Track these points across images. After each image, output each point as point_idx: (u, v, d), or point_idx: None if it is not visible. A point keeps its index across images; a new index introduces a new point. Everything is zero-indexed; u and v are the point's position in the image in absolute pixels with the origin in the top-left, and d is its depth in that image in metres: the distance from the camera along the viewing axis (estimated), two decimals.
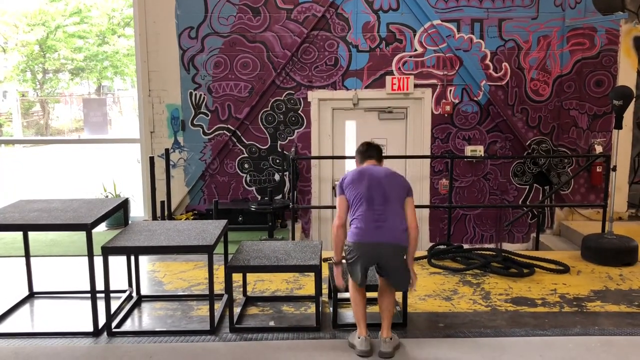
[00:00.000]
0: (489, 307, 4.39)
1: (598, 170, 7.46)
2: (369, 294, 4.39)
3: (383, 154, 4.04)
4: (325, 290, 4.55)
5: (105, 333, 3.89)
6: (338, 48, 7.41)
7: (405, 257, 3.67)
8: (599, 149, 7.46)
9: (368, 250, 3.57)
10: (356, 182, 3.73)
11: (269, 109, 7.54)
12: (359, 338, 3.60)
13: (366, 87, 7.49)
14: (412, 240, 3.63)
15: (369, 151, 3.95)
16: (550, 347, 3.67)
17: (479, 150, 7.53)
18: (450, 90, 7.50)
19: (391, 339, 3.61)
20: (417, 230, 3.68)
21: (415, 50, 7.42)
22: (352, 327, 4.03)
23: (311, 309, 4.33)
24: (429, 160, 7.62)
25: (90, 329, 3.89)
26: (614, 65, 7.38)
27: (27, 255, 4.65)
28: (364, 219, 3.60)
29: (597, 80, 7.42)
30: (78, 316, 4.21)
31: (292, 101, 7.52)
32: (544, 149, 7.56)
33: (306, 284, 4.88)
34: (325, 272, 4.41)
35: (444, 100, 7.50)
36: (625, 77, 7.32)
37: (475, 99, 7.50)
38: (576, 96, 7.46)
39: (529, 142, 7.51)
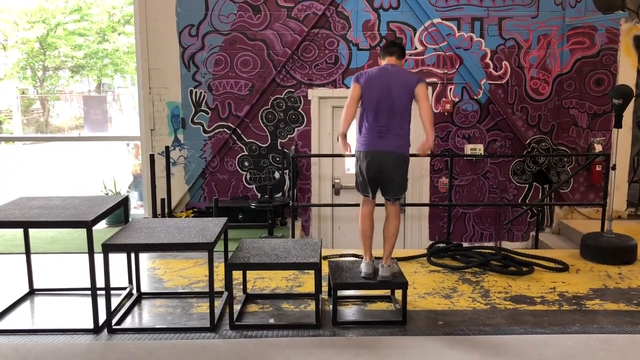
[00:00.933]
0: (488, 305, 4.41)
1: (597, 169, 7.48)
2: (367, 293, 4.42)
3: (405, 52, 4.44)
4: (325, 288, 4.56)
5: (105, 330, 3.90)
6: (338, 46, 7.42)
7: (405, 166, 4.22)
8: (598, 147, 7.47)
9: (372, 157, 4.13)
10: (370, 85, 4.17)
11: (269, 107, 7.55)
12: (364, 262, 4.24)
13: None
14: (427, 118, 4.15)
15: (390, 47, 4.35)
16: (549, 345, 3.68)
17: (479, 148, 7.54)
18: (450, 88, 7.50)
19: (389, 265, 4.19)
20: (430, 109, 4.19)
21: (416, 48, 7.43)
22: (352, 324, 4.05)
23: (311, 306, 4.34)
24: (428, 158, 7.63)
25: (90, 325, 3.90)
26: (614, 64, 7.39)
27: (28, 252, 4.66)
28: (370, 130, 4.17)
29: (597, 79, 7.43)
30: (78, 313, 4.22)
31: (292, 99, 7.53)
32: (543, 148, 7.57)
33: (306, 282, 4.89)
34: (325, 269, 4.42)
35: (444, 99, 7.51)
36: (625, 76, 7.33)
37: (475, 97, 7.51)
38: (576, 95, 7.46)
39: (528, 140, 7.52)
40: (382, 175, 4.18)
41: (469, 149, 7.54)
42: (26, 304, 4.46)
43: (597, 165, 7.46)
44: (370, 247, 4.30)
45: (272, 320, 4.11)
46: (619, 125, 5.68)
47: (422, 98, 4.15)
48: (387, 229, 4.31)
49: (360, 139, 4.25)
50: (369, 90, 4.17)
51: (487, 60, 7.43)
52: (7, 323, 4.08)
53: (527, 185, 7.77)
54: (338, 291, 4.24)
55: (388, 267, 4.17)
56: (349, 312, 4.30)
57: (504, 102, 7.47)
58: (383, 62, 4.36)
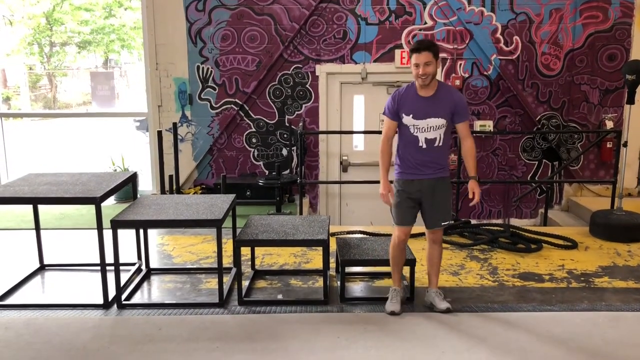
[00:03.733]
0: (496, 282, 4.40)
1: (608, 146, 7.40)
2: (374, 269, 4.42)
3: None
4: (332, 265, 4.57)
5: (115, 305, 3.93)
6: (347, 21, 7.31)
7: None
8: (609, 124, 7.38)
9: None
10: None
11: (276, 83, 7.49)
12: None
13: (375, 61, 7.41)
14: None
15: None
16: (558, 322, 3.68)
17: (488, 125, 7.47)
18: (460, 64, 7.41)
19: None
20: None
21: (425, 23, 7.32)
22: (359, 300, 4.06)
23: (319, 282, 4.36)
24: None
25: (100, 301, 3.93)
26: (627, 39, 7.25)
27: (38, 228, 4.69)
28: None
29: (609, 55, 7.31)
30: (88, 289, 4.26)
31: (300, 75, 7.47)
32: (553, 125, 7.49)
33: (314, 258, 4.91)
34: (332, 246, 4.42)
35: (453, 75, 7.42)
36: (639, 51, 7.20)
37: (485, 73, 7.41)
38: (588, 71, 7.35)
39: (538, 117, 7.44)
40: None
41: (478, 125, 7.47)
42: (37, 279, 4.50)
43: (608, 142, 7.38)
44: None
45: (280, 296, 4.13)
46: (631, 101, 5.60)
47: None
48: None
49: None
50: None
51: (498, 35, 7.31)
52: (19, 298, 4.13)
53: (537, 162, 7.71)
54: (346, 268, 4.24)
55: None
56: (357, 288, 4.32)
57: (515, 78, 7.37)
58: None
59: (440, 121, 3.71)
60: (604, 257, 5.00)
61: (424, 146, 3.74)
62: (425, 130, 3.72)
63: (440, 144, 3.75)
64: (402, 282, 3.99)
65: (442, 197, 3.81)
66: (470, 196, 3.81)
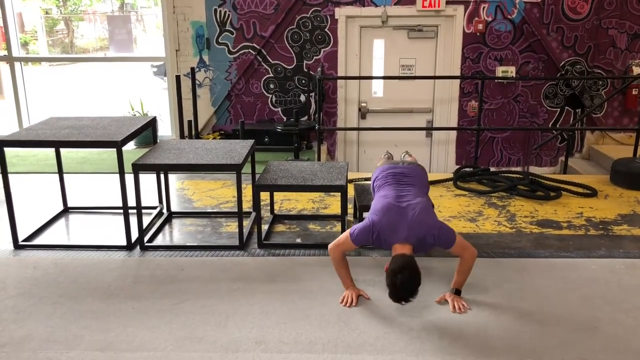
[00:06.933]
0: (513, 229, 4.42)
1: (634, 93, 7.24)
2: None
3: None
4: (350, 210, 4.61)
5: (138, 247, 4.03)
6: None
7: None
8: (637, 70, 7.18)
9: None
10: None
11: (294, 26, 7.36)
12: None
13: (396, 4, 7.23)
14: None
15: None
16: (574, 268, 3.71)
17: (511, 71, 7.32)
18: (484, 7, 7.19)
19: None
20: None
21: None
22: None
23: (337, 227, 4.41)
24: (458, 81, 7.45)
25: (123, 242, 4.03)
26: None
27: (60, 172, 4.77)
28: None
29: None
30: (111, 231, 4.36)
31: (318, 18, 7.32)
32: (578, 71, 7.31)
33: (332, 204, 4.94)
34: (350, 192, 4.45)
35: (476, 18, 7.22)
36: None
37: (509, 17, 7.20)
38: (616, 14, 7.10)
39: (562, 63, 7.26)
40: None
41: (500, 71, 7.32)
42: (61, 222, 4.62)
43: (634, 89, 7.21)
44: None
45: (299, 240, 4.19)
46: None
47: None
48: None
49: None
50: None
51: None
52: (45, 239, 4.25)
53: (559, 110, 7.58)
54: (364, 213, 4.27)
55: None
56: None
57: (539, 22, 7.16)
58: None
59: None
60: (624, 205, 4.97)
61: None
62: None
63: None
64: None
65: None
66: (453, 309, 3.17)
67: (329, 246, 3.32)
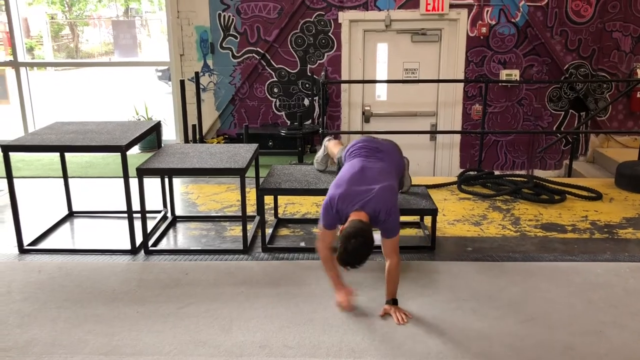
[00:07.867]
0: (518, 233, 4.41)
1: (639, 96, 7.21)
2: None
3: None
4: None
5: (142, 251, 4.04)
6: None
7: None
8: None
9: None
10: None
11: (298, 31, 7.38)
12: None
13: (399, 8, 7.24)
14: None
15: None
16: (579, 272, 3.69)
17: (515, 74, 7.31)
18: (487, 11, 7.20)
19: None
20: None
21: None
22: (381, 248, 4.10)
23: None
24: (462, 84, 7.45)
25: (128, 247, 4.04)
26: None
27: (65, 176, 4.79)
28: None
29: None
30: (115, 235, 4.37)
31: (322, 23, 7.34)
32: (582, 74, 7.30)
33: None
34: None
35: (480, 22, 7.22)
36: None
37: (512, 20, 7.20)
38: (620, 17, 7.09)
39: (566, 66, 7.25)
40: None
41: (504, 74, 7.32)
42: (66, 226, 4.63)
43: (639, 92, 7.19)
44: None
45: (303, 244, 4.19)
46: None
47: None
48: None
49: None
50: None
51: None
52: (50, 243, 4.26)
53: (563, 113, 7.56)
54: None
55: None
56: (378, 237, 4.34)
57: (543, 26, 7.15)
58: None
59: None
60: (629, 208, 4.95)
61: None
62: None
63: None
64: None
65: None
66: (397, 321, 3.06)
67: (315, 246, 3.29)
